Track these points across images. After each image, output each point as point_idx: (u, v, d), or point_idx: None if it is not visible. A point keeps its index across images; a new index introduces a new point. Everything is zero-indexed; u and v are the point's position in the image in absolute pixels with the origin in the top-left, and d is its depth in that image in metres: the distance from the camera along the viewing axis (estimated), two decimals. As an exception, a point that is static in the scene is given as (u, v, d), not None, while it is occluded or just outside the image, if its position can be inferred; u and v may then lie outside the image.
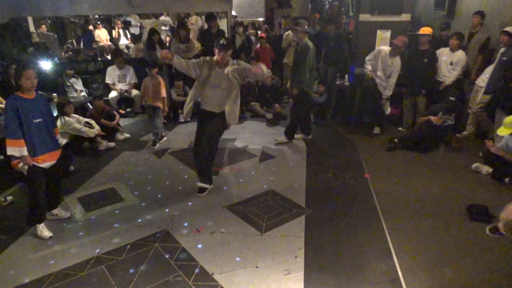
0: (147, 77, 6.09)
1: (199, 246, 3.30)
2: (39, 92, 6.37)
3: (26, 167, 3.30)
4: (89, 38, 10.84)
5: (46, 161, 3.45)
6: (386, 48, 5.62)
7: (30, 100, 3.31)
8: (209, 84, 4.05)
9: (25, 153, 3.24)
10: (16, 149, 3.20)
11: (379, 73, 5.67)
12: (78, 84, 7.33)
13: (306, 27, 5.28)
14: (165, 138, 5.94)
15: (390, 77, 5.59)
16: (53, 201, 3.72)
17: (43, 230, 3.47)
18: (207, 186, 4.23)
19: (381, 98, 5.73)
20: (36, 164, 3.35)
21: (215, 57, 4.00)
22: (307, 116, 5.79)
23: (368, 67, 5.77)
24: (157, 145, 5.71)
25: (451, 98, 5.35)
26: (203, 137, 4.08)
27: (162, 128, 5.94)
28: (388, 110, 5.89)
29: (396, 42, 5.44)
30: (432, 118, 5.27)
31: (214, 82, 4.03)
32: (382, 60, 5.60)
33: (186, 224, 3.64)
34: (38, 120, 3.34)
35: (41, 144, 3.37)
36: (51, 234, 3.49)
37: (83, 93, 7.36)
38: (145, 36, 10.26)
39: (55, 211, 3.76)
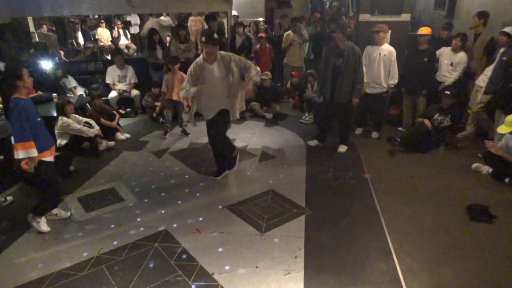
0: (168, 74, 6.11)
1: (199, 246, 3.30)
2: (39, 92, 6.45)
3: (33, 166, 3.34)
4: (88, 35, 10.84)
5: (50, 156, 3.52)
6: (369, 47, 5.60)
7: (28, 101, 3.37)
8: (207, 86, 4.12)
9: (35, 154, 3.28)
10: (27, 152, 3.24)
11: (382, 78, 5.54)
12: (70, 82, 7.26)
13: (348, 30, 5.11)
14: (189, 135, 6.10)
15: (391, 68, 5.46)
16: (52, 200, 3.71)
17: (44, 224, 3.56)
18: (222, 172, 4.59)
19: (381, 97, 5.70)
20: (44, 159, 3.41)
21: (201, 56, 4.09)
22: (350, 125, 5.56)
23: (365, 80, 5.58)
24: (189, 135, 6.08)
25: (446, 92, 5.36)
26: (213, 135, 4.35)
27: (185, 121, 6.11)
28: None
29: (376, 29, 5.38)
30: (426, 122, 5.29)
31: (210, 79, 4.10)
32: (371, 57, 5.51)
33: (186, 224, 3.64)
34: (39, 119, 3.41)
35: (46, 140, 3.47)
36: (49, 229, 3.56)
37: (79, 91, 7.32)
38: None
39: (54, 211, 3.76)
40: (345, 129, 5.42)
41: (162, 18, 10.98)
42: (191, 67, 4.16)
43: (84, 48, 10.26)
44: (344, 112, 5.22)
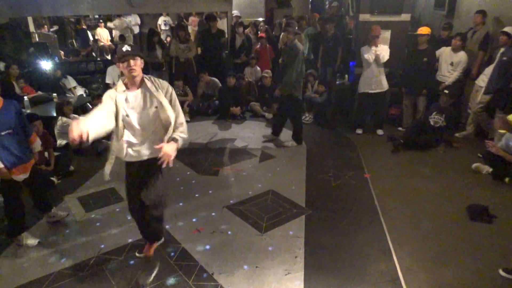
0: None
1: (199, 246, 3.30)
2: (39, 92, 6.45)
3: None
4: (84, 37, 10.81)
5: (16, 175, 3.20)
6: (365, 48, 5.64)
7: None
8: (126, 121, 2.74)
9: (0, 165, 3.05)
10: None
11: (381, 75, 5.64)
12: (70, 83, 7.24)
13: (296, 28, 5.30)
14: None
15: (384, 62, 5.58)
16: (42, 207, 3.63)
17: (27, 239, 3.36)
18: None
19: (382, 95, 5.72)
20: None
21: (121, 79, 2.80)
22: (299, 121, 5.59)
23: (370, 55, 5.60)
24: None
25: (445, 91, 5.37)
26: (145, 197, 2.86)
27: None
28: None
29: (372, 33, 5.47)
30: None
31: (132, 111, 2.70)
32: (368, 58, 5.55)
33: (186, 224, 3.64)
34: (6, 132, 3.06)
35: (8, 157, 3.11)
36: (37, 240, 3.38)
37: (79, 91, 7.30)
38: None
39: (51, 213, 3.68)
40: (294, 124, 5.55)
41: (161, 18, 11.01)
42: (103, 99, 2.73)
43: (85, 48, 10.26)
44: (284, 104, 5.43)
